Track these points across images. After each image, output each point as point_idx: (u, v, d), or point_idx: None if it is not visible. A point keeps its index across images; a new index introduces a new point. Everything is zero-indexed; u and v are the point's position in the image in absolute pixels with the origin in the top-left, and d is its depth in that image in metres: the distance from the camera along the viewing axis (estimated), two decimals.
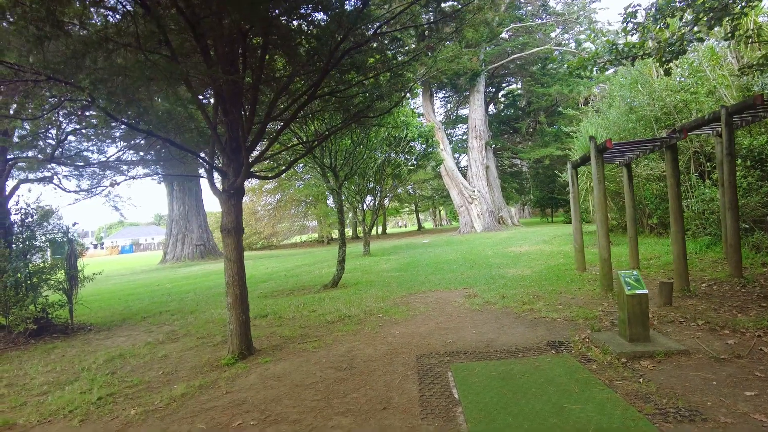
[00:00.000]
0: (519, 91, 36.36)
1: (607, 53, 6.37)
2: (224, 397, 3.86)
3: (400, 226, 78.69)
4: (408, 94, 10.30)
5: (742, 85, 9.88)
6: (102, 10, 4.43)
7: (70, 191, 8.48)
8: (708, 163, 10.94)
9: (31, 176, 8.09)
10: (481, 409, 3.07)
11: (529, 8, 31.76)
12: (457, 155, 35.79)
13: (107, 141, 8.49)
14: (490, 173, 28.49)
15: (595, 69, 6.81)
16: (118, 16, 4.49)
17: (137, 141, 8.23)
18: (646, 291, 4.04)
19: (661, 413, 2.81)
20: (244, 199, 6.38)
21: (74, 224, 8.19)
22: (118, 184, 8.22)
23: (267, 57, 5.25)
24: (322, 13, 4.81)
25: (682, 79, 12.18)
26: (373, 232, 40.65)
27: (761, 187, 8.47)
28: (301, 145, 8.73)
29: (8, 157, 7.53)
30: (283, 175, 25.81)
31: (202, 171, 9.25)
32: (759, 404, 2.82)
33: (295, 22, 5.14)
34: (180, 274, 18.94)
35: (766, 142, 8.52)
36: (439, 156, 23.56)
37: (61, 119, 7.14)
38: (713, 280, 6.50)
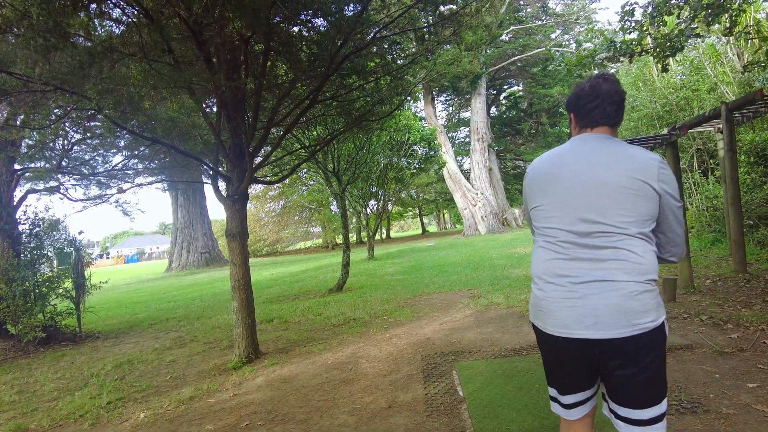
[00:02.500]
0: (520, 93, 36.36)
1: (605, 50, 6.41)
2: (232, 399, 3.91)
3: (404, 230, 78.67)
4: (409, 98, 10.35)
5: (743, 81, 9.89)
6: (106, 22, 4.53)
7: (77, 200, 8.59)
8: (711, 160, 10.93)
9: (38, 186, 8.20)
10: (485, 406, 3.10)
11: (529, 10, 31.83)
12: (459, 158, 35.80)
13: (112, 150, 8.60)
14: (493, 175, 28.50)
15: (594, 67, 6.85)
16: (122, 27, 4.58)
17: (142, 150, 8.33)
18: None
19: None
20: (249, 206, 6.45)
21: (80, 233, 8.30)
22: (125, 191, 8.33)
23: (269, 63, 5.33)
24: (321, 19, 4.88)
25: (684, 76, 12.20)
26: (378, 236, 40.70)
27: (765, 183, 8.46)
28: (303, 150, 8.81)
29: (16, 167, 7.64)
30: (287, 181, 25.95)
31: (206, 177, 9.34)
32: (761, 395, 2.84)
33: (295, 28, 5.22)
34: (186, 281, 19.05)
35: None
36: (442, 159, 23.59)
37: (67, 129, 7.25)
38: (717, 276, 6.49)
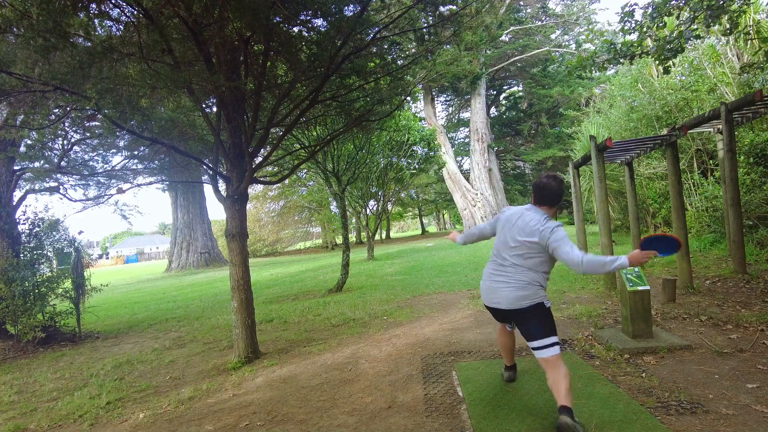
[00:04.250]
0: (520, 93, 36.38)
1: (605, 52, 6.41)
2: (231, 400, 3.91)
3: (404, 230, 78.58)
4: (409, 98, 10.35)
5: (743, 82, 9.88)
6: (106, 22, 4.52)
7: (76, 200, 8.59)
8: (711, 161, 10.93)
9: (37, 186, 8.19)
10: (484, 406, 3.10)
11: (529, 11, 31.85)
12: (459, 158, 35.83)
13: (112, 150, 8.60)
14: (492, 176, 28.51)
15: (594, 69, 6.85)
16: (121, 27, 4.58)
17: (141, 150, 8.33)
18: (647, 287, 4.06)
19: (663, 406, 2.83)
20: (248, 206, 6.46)
21: (80, 233, 8.31)
22: (124, 191, 8.33)
23: (268, 63, 5.33)
24: (321, 19, 4.88)
25: (683, 77, 12.19)
26: (378, 237, 40.69)
27: (764, 183, 8.46)
28: (303, 151, 8.80)
29: (15, 167, 7.64)
30: (287, 182, 25.95)
31: (205, 177, 9.33)
32: (760, 396, 2.84)
33: (295, 29, 5.22)
34: (185, 281, 19.04)
35: None
36: (441, 159, 23.59)
37: (67, 129, 7.24)
38: (717, 277, 6.50)
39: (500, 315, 3.03)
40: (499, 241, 2.98)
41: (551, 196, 2.88)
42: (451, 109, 39.84)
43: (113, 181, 8.97)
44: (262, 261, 28.93)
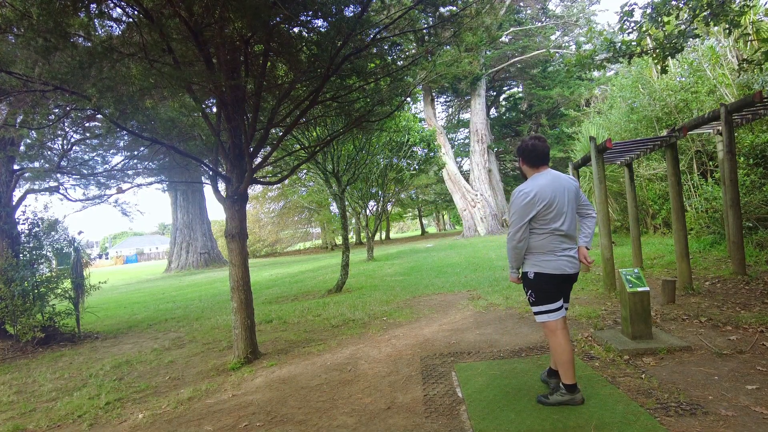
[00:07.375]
0: (520, 94, 36.37)
1: (604, 51, 6.41)
2: (231, 400, 3.90)
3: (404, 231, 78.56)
4: (409, 99, 10.35)
5: (742, 83, 9.89)
6: (106, 22, 4.52)
7: (75, 200, 8.58)
8: (710, 162, 10.94)
9: (37, 186, 8.19)
10: (484, 407, 3.10)
11: (529, 12, 31.88)
12: (459, 159, 35.82)
13: (112, 151, 8.60)
14: (492, 177, 28.51)
15: (593, 68, 6.85)
16: (122, 27, 4.58)
17: (142, 150, 8.32)
18: (647, 288, 4.06)
19: (663, 407, 2.83)
20: (248, 206, 6.44)
21: (80, 233, 8.30)
22: (124, 191, 8.33)
23: (269, 64, 5.33)
24: (321, 20, 4.88)
25: (683, 78, 12.20)
26: (377, 237, 40.68)
27: (764, 185, 8.46)
28: (303, 151, 8.80)
29: (15, 167, 7.64)
30: (287, 182, 25.94)
31: (205, 178, 9.33)
32: (760, 397, 2.84)
33: (295, 29, 5.22)
34: (185, 282, 19.04)
35: None
36: (441, 160, 23.60)
37: (66, 129, 7.24)
38: (717, 278, 6.49)
39: (566, 286, 3.07)
40: (560, 219, 2.92)
41: (547, 155, 3.09)
42: (451, 110, 39.84)
43: (113, 181, 8.97)
44: (262, 261, 28.93)
